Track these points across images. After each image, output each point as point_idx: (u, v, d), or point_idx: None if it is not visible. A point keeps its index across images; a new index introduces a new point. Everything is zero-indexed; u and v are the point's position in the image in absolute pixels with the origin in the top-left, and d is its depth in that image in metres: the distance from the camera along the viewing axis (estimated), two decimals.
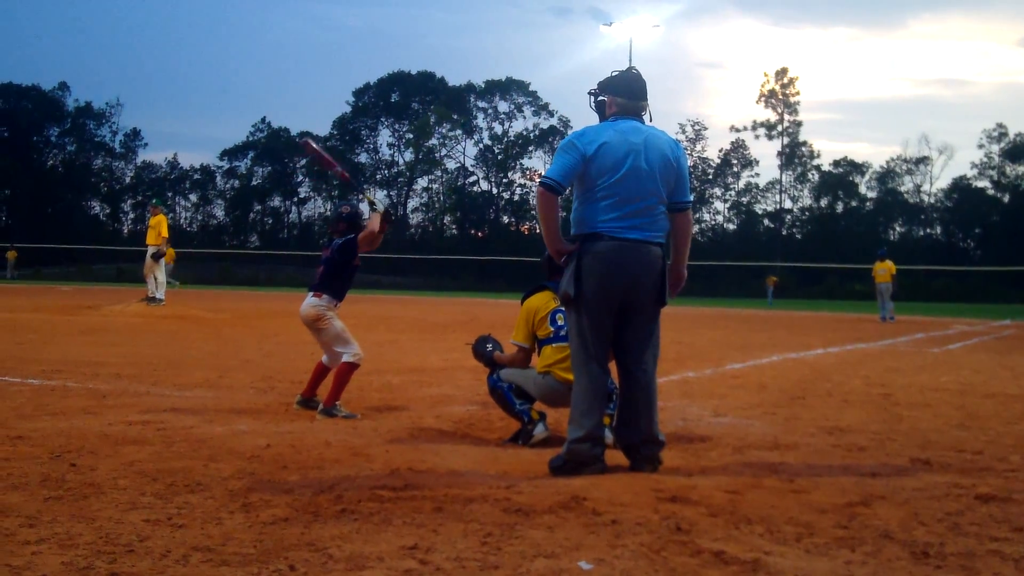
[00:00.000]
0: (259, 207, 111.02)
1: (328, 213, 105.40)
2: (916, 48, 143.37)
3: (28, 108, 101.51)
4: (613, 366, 6.11)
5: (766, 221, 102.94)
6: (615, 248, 5.65)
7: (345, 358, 7.89)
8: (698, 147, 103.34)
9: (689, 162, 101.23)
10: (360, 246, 8.02)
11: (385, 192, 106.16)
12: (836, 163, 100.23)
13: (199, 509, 4.53)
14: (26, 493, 4.75)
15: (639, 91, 5.96)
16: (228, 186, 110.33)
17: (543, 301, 6.78)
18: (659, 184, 5.76)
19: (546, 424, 6.76)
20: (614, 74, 6.03)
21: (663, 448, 5.87)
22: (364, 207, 8.34)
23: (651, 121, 6.00)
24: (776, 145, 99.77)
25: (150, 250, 22.48)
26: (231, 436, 6.56)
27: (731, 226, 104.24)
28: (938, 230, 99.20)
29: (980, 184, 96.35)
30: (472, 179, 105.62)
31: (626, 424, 5.86)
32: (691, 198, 6.10)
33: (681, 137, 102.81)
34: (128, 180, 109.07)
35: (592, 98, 6.11)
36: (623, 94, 5.91)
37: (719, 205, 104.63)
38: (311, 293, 8.02)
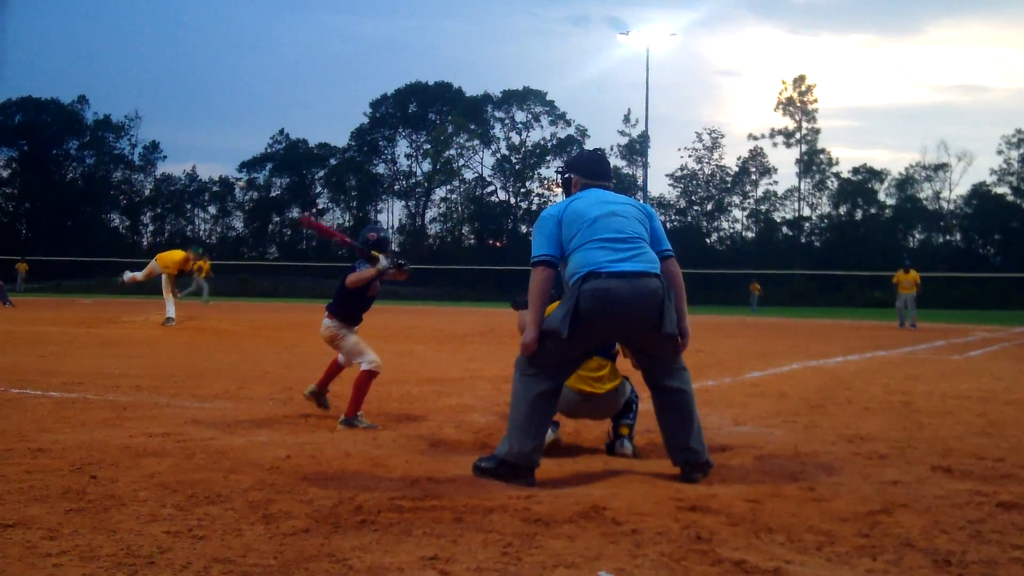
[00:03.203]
0: (278, 218, 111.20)
1: (346, 224, 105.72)
2: (934, 54, 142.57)
3: (47, 122, 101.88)
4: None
5: (785, 229, 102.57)
6: (614, 283, 5.63)
7: (363, 367, 7.89)
8: (715, 155, 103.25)
9: (707, 170, 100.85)
10: (348, 283, 7.97)
11: (403, 203, 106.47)
12: (855, 170, 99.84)
13: (219, 521, 4.54)
14: (47, 505, 4.77)
15: (601, 172, 6.25)
16: (247, 197, 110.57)
17: None
18: (639, 227, 5.88)
19: (555, 429, 6.76)
20: (578, 152, 6.26)
21: (704, 457, 5.90)
22: (384, 253, 8.16)
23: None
24: (794, 153, 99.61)
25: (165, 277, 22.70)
26: (251, 447, 6.58)
27: (750, 234, 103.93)
28: (958, 237, 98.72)
29: (1000, 190, 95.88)
30: (490, 189, 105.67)
31: (673, 446, 5.93)
32: (671, 248, 6.11)
33: (698, 145, 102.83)
34: (147, 192, 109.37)
35: (559, 176, 6.43)
36: (585, 174, 6.21)
37: (737, 213, 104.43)
38: (327, 313, 8.06)
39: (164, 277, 22.10)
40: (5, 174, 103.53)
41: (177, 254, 22.66)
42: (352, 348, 7.98)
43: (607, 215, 5.80)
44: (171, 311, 22.27)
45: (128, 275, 21.98)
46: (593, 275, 5.64)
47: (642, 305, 5.65)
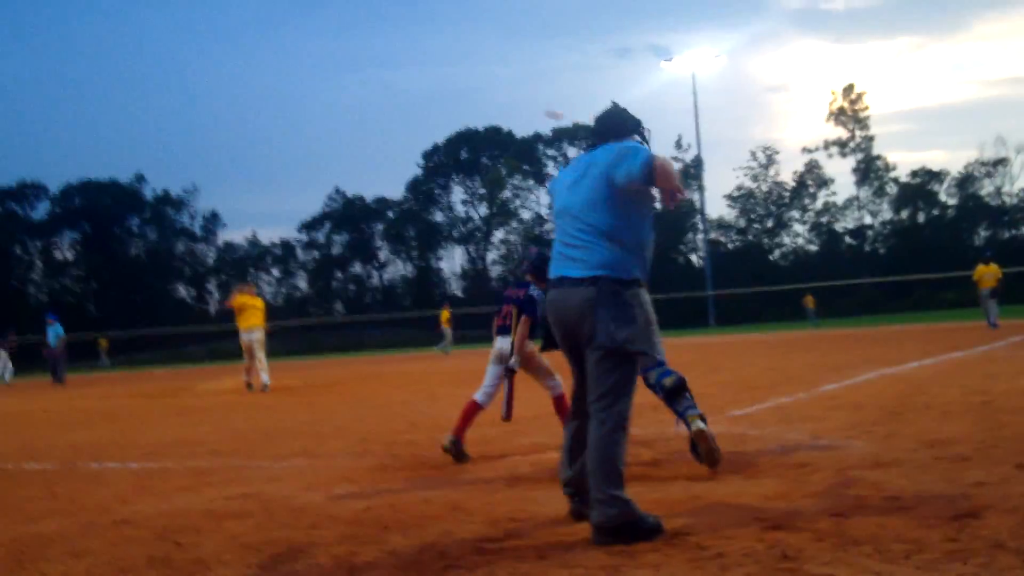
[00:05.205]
0: (341, 275, 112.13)
1: (409, 275, 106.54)
2: (982, 49, 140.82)
3: (108, 203, 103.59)
4: None
5: (848, 239, 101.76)
6: (553, 291, 5.43)
7: (477, 395, 8.49)
8: (771, 172, 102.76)
9: (764, 187, 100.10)
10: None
11: (463, 248, 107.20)
12: (913, 173, 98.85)
13: None
14: None
15: (599, 128, 5.60)
16: (309, 257, 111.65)
17: None
18: (591, 212, 5.27)
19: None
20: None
21: (602, 509, 4.97)
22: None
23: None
24: (850, 162, 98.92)
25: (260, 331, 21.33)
26: (330, 502, 6.61)
27: (813, 247, 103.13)
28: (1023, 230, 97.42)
29: None
30: (548, 226, 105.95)
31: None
32: (642, 160, 5.07)
33: (753, 164, 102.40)
34: (211, 262, 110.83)
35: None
36: (593, 134, 5.65)
37: (798, 227, 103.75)
38: (502, 335, 8.62)
39: (248, 338, 21.02)
40: (70, 256, 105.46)
41: (237, 302, 21.52)
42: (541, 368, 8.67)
43: (564, 207, 5.45)
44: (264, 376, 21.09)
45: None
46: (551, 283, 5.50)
47: (568, 313, 5.32)
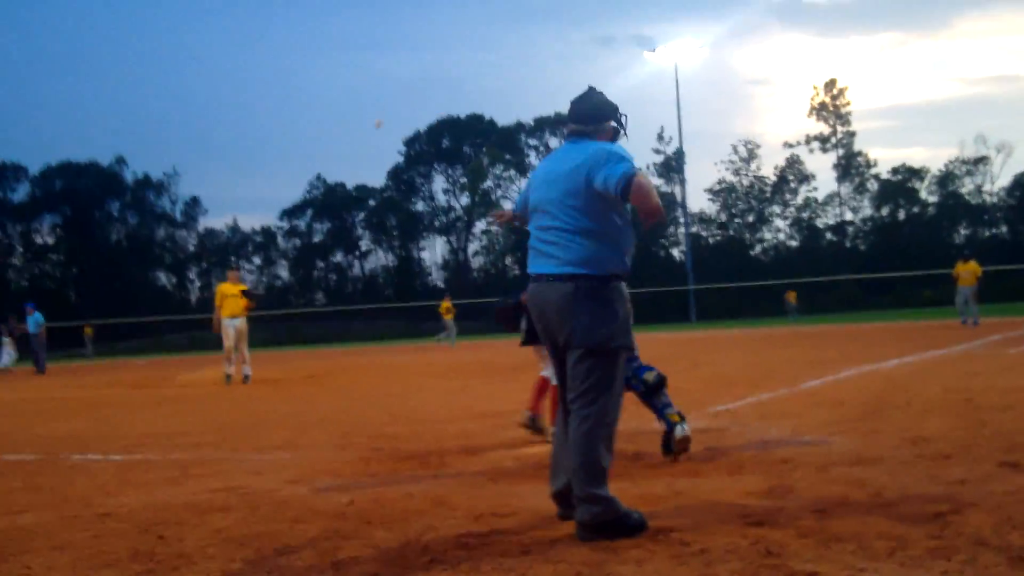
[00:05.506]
0: (322, 264, 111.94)
1: (390, 265, 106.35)
2: (965, 47, 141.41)
3: (88, 185, 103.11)
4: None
5: (828, 235, 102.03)
6: (531, 286, 5.31)
7: (545, 371, 8.49)
8: (753, 166, 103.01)
9: (745, 181, 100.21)
10: None
11: (444, 239, 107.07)
12: (894, 170, 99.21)
13: (289, 572, 4.55)
14: (117, 569, 4.79)
15: (575, 112, 5.44)
16: (290, 245, 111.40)
17: None
18: (568, 209, 5.16)
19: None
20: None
21: (586, 507, 4.93)
22: None
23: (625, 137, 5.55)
24: (831, 157, 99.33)
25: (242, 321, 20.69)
26: (314, 495, 6.59)
27: (793, 243, 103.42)
28: (1004, 229, 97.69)
29: None
30: None
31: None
32: (621, 172, 4.95)
33: (734, 157, 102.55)
34: (192, 248, 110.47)
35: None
36: (570, 119, 5.46)
37: (779, 223, 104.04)
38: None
39: (229, 326, 20.39)
40: (50, 240, 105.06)
41: (219, 296, 20.88)
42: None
43: (538, 200, 5.35)
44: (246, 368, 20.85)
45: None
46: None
47: (546, 309, 5.22)
